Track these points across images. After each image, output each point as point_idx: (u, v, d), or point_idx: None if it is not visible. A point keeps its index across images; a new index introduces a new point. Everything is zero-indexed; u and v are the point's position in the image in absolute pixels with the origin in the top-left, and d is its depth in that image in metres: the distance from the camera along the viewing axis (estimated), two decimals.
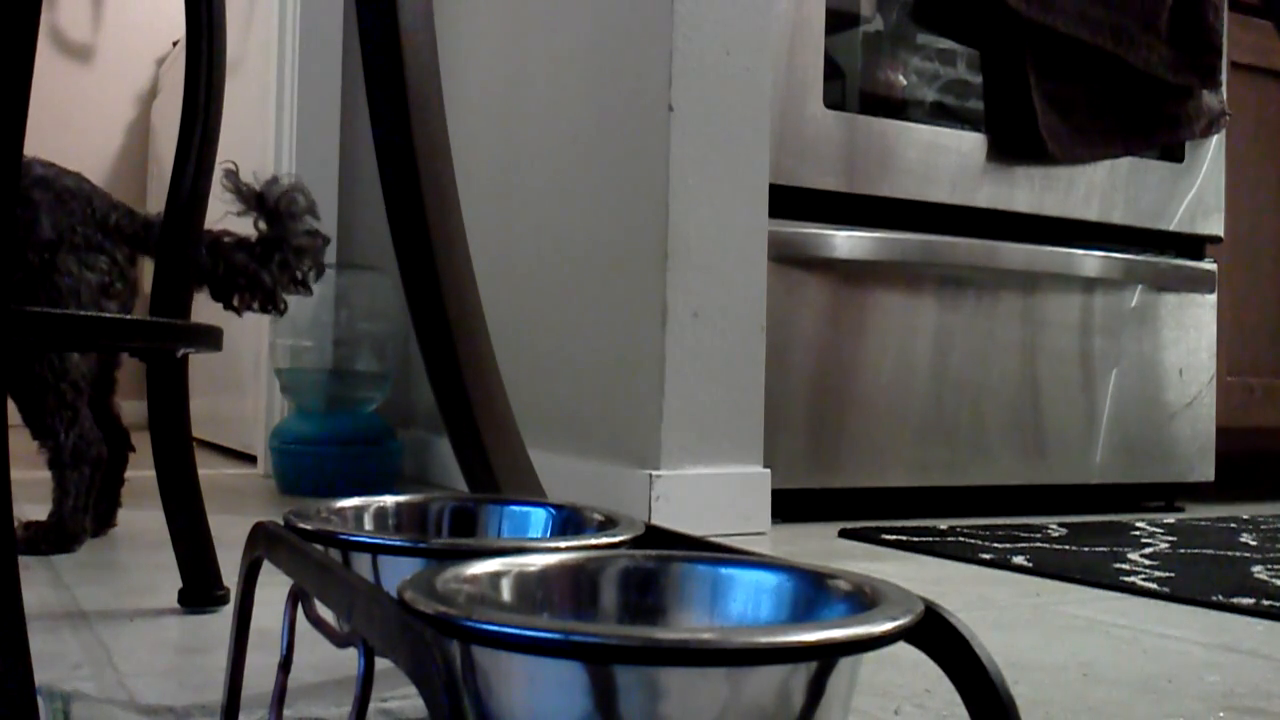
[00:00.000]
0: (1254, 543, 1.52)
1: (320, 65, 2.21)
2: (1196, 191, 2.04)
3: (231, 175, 1.25)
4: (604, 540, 0.52)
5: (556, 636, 0.34)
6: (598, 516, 0.59)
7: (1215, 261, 2.07)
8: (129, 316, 1.22)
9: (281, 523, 0.56)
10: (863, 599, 0.41)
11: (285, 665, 0.52)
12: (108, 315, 1.15)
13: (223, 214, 1.27)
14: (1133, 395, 1.97)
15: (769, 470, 1.59)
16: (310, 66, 2.20)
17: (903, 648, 0.40)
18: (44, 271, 1.21)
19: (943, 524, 1.65)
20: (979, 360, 1.83)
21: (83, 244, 1.23)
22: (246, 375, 2.36)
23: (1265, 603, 1.09)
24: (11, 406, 1.22)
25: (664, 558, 0.47)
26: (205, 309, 1.27)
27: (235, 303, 1.25)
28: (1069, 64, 1.85)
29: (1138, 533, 1.60)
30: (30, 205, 1.21)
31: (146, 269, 1.22)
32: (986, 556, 1.33)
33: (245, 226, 1.28)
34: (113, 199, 1.29)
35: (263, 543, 0.55)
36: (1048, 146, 1.83)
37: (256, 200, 1.26)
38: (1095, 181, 1.93)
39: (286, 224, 1.26)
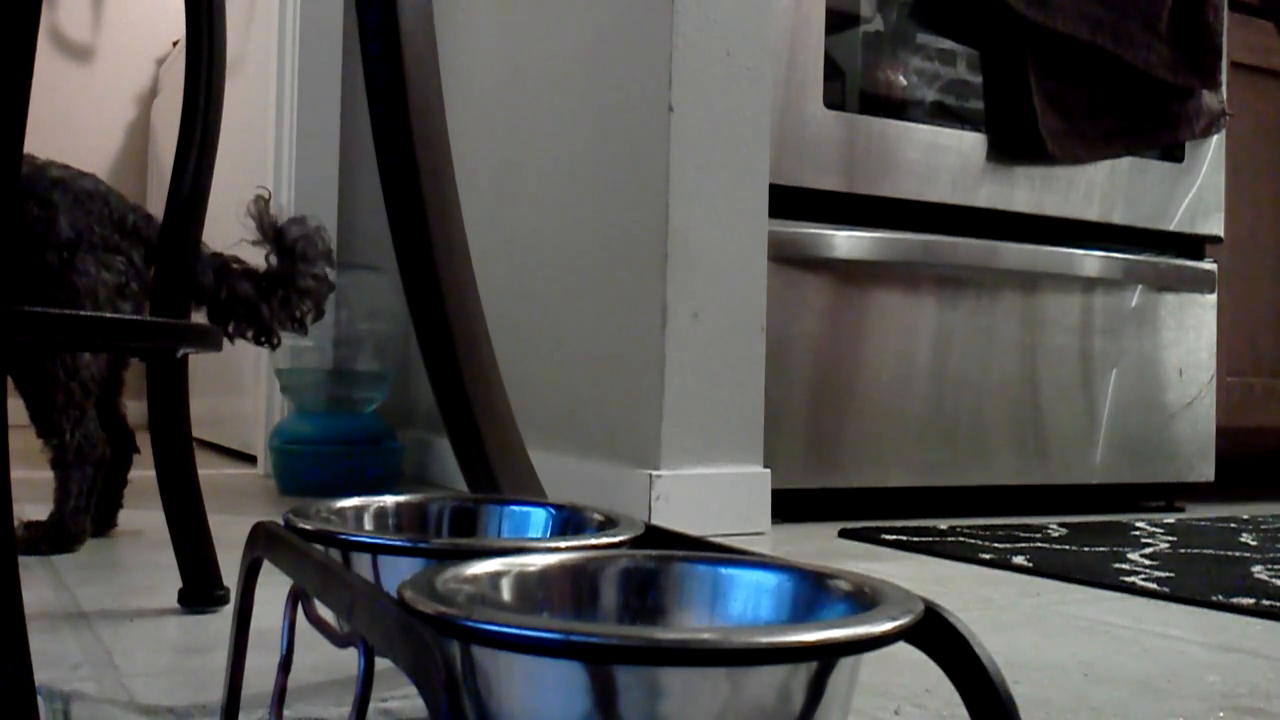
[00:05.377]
0: (1254, 543, 1.52)
1: (320, 65, 2.21)
2: (1196, 191, 2.04)
3: (260, 203, 1.26)
4: (604, 540, 0.52)
5: (556, 636, 0.34)
6: (598, 516, 0.59)
7: (1215, 261, 2.07)
8: (129, 316, 1.22)
9: (281, 523, 0.56)
10: (863, 599, 0.41)
11: (285, 665, 0.52)
12: (108, 315, 1.15)
13: (238, 240, 1.28)
14: (1133, 395, 1.97)
15: (769, 470, 1.59)
16: (310, 66, 2.20)
17: (903, 648, 0.40)
18: (62, 271, 1.22)
19: (943, 524, 1.65)
20: (979, 360, 1.83)
21: (100, 244, 1.23)
22: (246, 375, 2.36)
23: (1265, 603, 1.09)
24: (13, 406, 1.22)
25: (664, 558, 0.47)
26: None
27: (229, 329, 1.27)
28: (1069, 64, 1.85)
29: (1138, 533, 1.60)
30: (49, 206, 1.22)
31: None
32: (986, 556, 1.33)
33: (256, 255, 1.29)
34: (129, 201, 1.30)
35: (263, 543, 0.55)
36: (1048, 146, 1.83)
37: (275, 235, 1.27)
38: (1095, 181, 1.93)
39: (297, 264, 1.27)
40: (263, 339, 1.29)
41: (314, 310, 1.31)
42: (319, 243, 1.30)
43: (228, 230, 1.29)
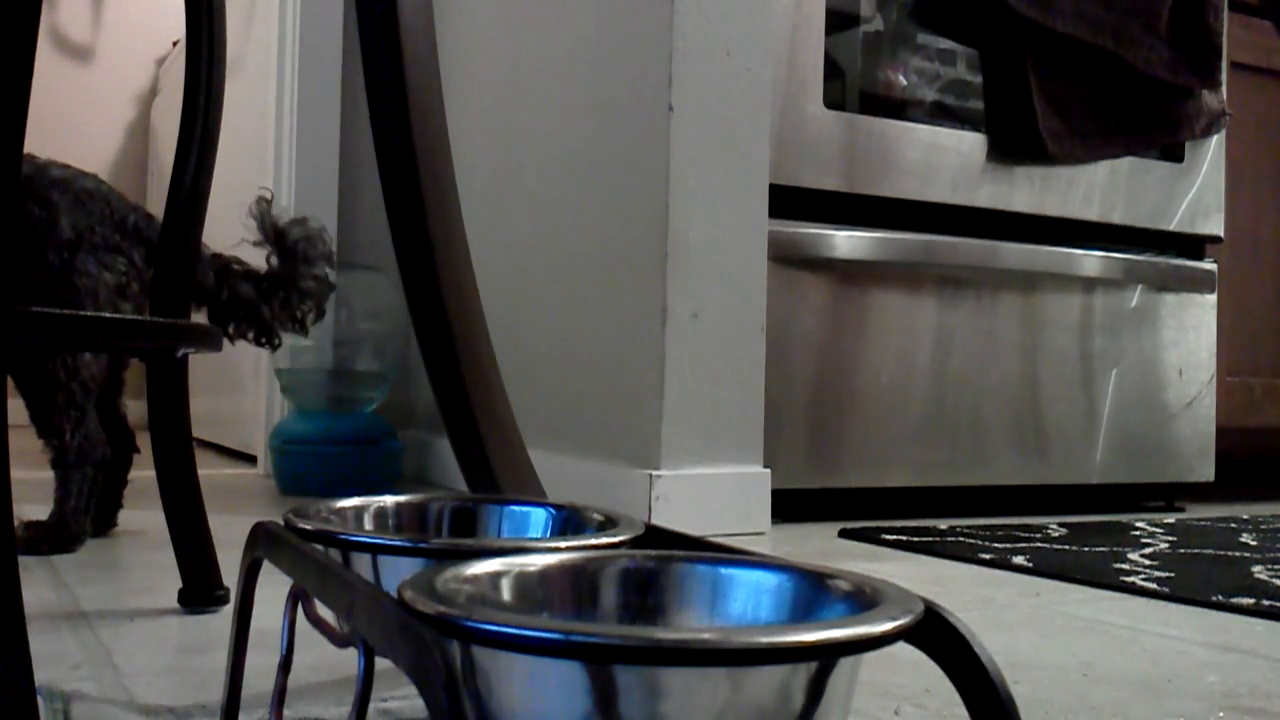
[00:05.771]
0: (1254, 543, 1.52)
1: (320, 65, 2.21)
2: (1196, 191, 2.04)
3: (262, 203, 1.26)
4: (604, 540, 0.52)
5: (557, 636, 0.34)
6: (598, 516, 0.59)
7: (1215, 261, 2.07)
8: (129, 316, 1.22)
9: (281, 523, 0.56)
10: (863, 599, 0.41)
11: (285, 665, 0.52)
12: (108, 315, 1.15)
13: (239, 240, 1.28)
14: (1133, 395, 1.97)
15: (769, 470, 1.59)
16: (310, 66, 2.20)
17: (903, 648, 0.40)
18: (63, 271, 1.22)
19: (943, 524, 1.64)
20: (979, 360, 1.83)
21: (101, 244, 1.24)
22: (246, 375, 2.36)
23: (1265, 603, 1.09)
24: (13, 406, 1.22)
25: (664, 558, 0.47)
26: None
27: (230, 330, 1.28)
28: (1069, 64, 1.85)
29: (1138, 533, 1.60)
30: (50, 207, 1.22)
31: None
32: (986, 556, 1.33)
33: (257, 256, 1.29)
34: (130, 201, 1.30)
35: (263, 543, 0.55)
36: (1048, 146, 1.83)
37: (276, 236, 1.28)
38: (1095, 181, 1.93)
39: (298, 266, 1.28)
40: (263, 340, 1.30)
41: (314, 311, 1.32)
42: (320, 244, 1.30)
43: (228, 230, 1.30)
